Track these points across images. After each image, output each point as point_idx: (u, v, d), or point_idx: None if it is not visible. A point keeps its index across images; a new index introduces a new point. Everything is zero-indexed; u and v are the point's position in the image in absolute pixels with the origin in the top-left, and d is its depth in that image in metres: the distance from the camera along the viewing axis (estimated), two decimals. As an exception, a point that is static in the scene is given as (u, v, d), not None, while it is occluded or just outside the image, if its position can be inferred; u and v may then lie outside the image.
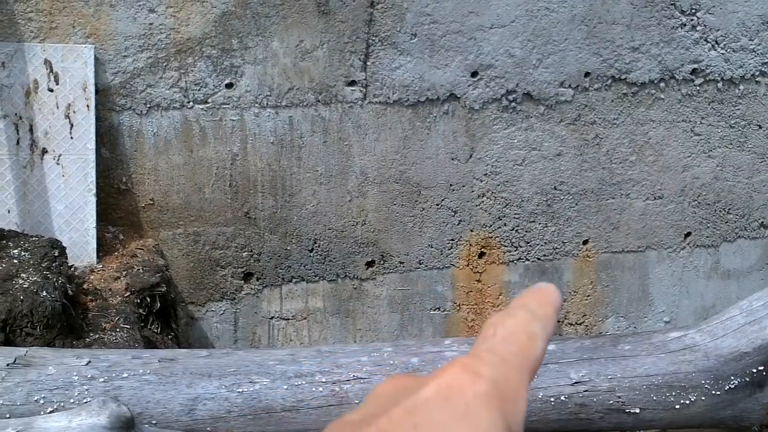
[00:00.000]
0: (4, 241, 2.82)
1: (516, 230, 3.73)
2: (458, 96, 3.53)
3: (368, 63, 3.40)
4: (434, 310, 3.70)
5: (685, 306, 4.10)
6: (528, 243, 3.76)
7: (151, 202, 3.27)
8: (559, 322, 3.89)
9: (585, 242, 3.85)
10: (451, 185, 3.60)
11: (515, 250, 3.75)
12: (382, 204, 3.54)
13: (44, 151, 3.09)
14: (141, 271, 3.00)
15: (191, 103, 3.25)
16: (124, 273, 2.96)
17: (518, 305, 0.48)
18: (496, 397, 0.42)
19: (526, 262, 3.78)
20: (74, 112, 3.10)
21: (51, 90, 3.10)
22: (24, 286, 2.57)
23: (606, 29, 3.65)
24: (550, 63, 3.61)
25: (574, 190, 3.77)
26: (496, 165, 3.64)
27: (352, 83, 3.41)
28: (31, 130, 3.08)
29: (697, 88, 3.87)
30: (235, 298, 3.44)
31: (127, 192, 3.25)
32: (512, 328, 0.46)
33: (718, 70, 3.88)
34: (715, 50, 3.85)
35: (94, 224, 3.06)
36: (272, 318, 3.50)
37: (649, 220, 3.92)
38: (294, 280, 3.49)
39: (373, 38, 3.38)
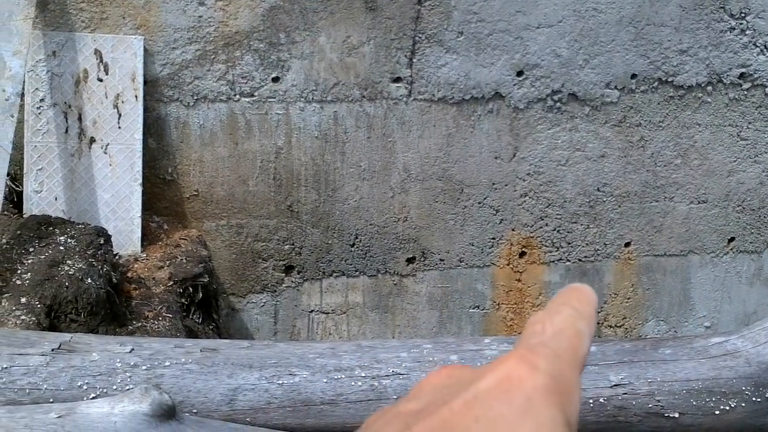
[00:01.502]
0: (51, 228, 2.87)
1: (558, 231, 3.71)
2: (503, 95, 3.52)
3: (414, 60, 3.40)
4: (473, 309, 3.69)
5: (726, 311, 4.05)
6: (569, 244, 3.74)
7: (196, 193, 3.31)
8: (598, 323, 3.86)
9: (627, 245, 3.81)
10: (493, 184, 3.59)
11: (556, 251, 3.73)
12: (425, 201, 3.54)
13: (92, 140, 3.14)
14: (184, 261, 3.03)
15: (238, 96, 3.28)
16: (168, 263, 3.00)
17: (561, 303, 0.48)
18: (555, 391, 0.41)
19: (567, 263, 3.76)
20: (123, 102, 3.15)
21: (100, 80, 3.15)
22: (69, 272, 2.62)
23: (654, 31, 3.61)
24: (597, 64, 3.58)
25: (617, 192, 3.74)
26: (540, 165, 3.63)
27: (398, 80, 3.41)
28: (79, 118, 3.13)
29: (745, 92, 3.81)
30: (275, 291, 3.46)
31: (172, 182, 3.29)
32: (560, 325, 0.46)
33: (767, 74, 3.82)
34: (764, 55, 3.79)
35: (140, 213, 3.11)
36: (312, 311, 3.52)
37: (693, 224, 3.88)
38: (335, 274, 3.51)
39: (420, 35, 3.38)
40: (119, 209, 3.11)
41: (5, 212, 2.87)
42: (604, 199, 3.73)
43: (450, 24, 3.40)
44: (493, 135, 3.55)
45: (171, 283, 2.92)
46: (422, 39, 3.39)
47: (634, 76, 3.64)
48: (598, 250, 3.78)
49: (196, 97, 3.25)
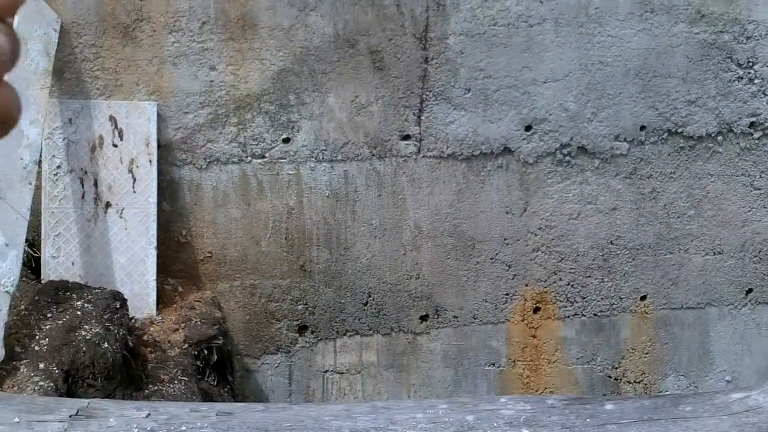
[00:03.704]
0: (69, 293, 2.89)
1: (572, 285, 3.70)
2: (512, 150, 3.55)
3: (422, 117, 3.44)
4: (489, 366, 3.67)
5: (747, 365, 4.01)
6: (584, 298, 3.72)
7: (210, 255, 3.33)
8: (616, 380, 3.82)
9: (643, 298, 3.80)
10: (505, 239, 3.60)
11: (571, 306, 3.72)
12: (437, 258, 3.55)
13: (108, 205, 3.17)
14: (199, 323, 3.04)
15: (249, 158, 3.32)
16: (183, 325, 3.01)
17: None
18: None
19: (583, 318, 3.74)
20: (137, 166, 3.19)
21: (115, 145, 3.19)
22: (86, 337, 2.63)
23: (661, 83, 3.64)
24: (605, 117, 3.61)
25: (630, 245, 3.73)
26: (551, 219, 3.63)
27: (407, 137, 3.44)
28: (95, 184, 3.17)
29: (756, 141, 3.82)
30: (290, 351, 3.46)
31: (186, 245, 3.31)
32: None
33: (777, 123, 3.84)
34: (774, 103, 3.81)
35: (155, 276, 3.13)
36: (326, 371, 3.51)
37: (709, 276, 3.85)
38: (348, 333, 3.50)
39: (428, 93, 3.43)
40: (135, 272, 3.13)
41: (24, 278, 2.90)
42: (618, 252, 3.73)
43: (457, 81, 3.44)
44: (504, 190, 3.57)
45: (186, 345, 2.92)
46: (430, 96, 3.43)
47: (643, 127, 3.67)
48: (613, 304, 3.76)
49: (208, 160, 3.29)
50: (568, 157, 3.60)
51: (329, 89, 3.34)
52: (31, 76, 3.04)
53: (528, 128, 3.55)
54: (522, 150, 3.56)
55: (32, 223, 2.96)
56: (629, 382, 3.84)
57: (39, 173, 3.08)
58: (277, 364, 3.45)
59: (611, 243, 3.71)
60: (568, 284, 3.70)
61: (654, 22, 3.57)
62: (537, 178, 3.59)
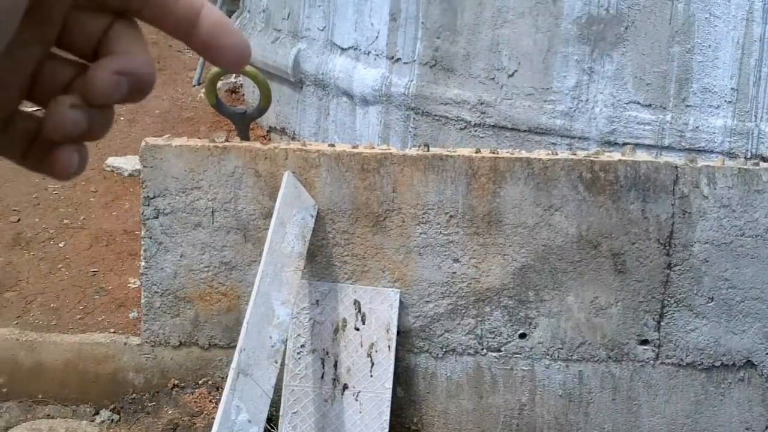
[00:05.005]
0: (307, 476, 2.93)
1: None
2: (755, 364, 3.39)
3: (662, 323, 3.36)
4: None
5: None
6: None
7: (440, 447, 3.31)
8: None
9: None
10: (745, 458, 3.39)
11: None
12: (671, 472, 3.37)
13: (345, 387, 3.24)
14: None
15: (485, 351, 3.33)
16: None
17: None
18: None
19: None
20: (376, 351, 3.26)
21: (357, 329, 3.29)
22: None
23: None
24: None
25: None
26: (797, 441, 3.40)
27: (645, 342, 3.36)
28: (335, 365, 3.26)
29: None
30: None
31: (417, 434, 3.31)
32: None
33: None
34: None
35: (386, 465, 3.13)
36: None
37: None
38: None
39: (669, 299, 3.36)
40: (367, 459, 3.14)
41: (265, 456, 2.96)
42: None
43: (700, 289, 3.36)
44: (744, 405, 3.39)
45: None
46: (671, 302, 3.36)
47: None
48: None
49: (444, 350, 3.32)
50: (816, 377, 3.40)
51: (569, 288, 3.34)
52: (285, 259, 3.21)
53: (774, 343, 3.39)
54: (765, 365, 3.39)
55: (272, 399, 3.05)
56: None
57: (283, 351, 3.20)
58: None
59: None
60: None
61: None
62: (782, 396, 3.40)
